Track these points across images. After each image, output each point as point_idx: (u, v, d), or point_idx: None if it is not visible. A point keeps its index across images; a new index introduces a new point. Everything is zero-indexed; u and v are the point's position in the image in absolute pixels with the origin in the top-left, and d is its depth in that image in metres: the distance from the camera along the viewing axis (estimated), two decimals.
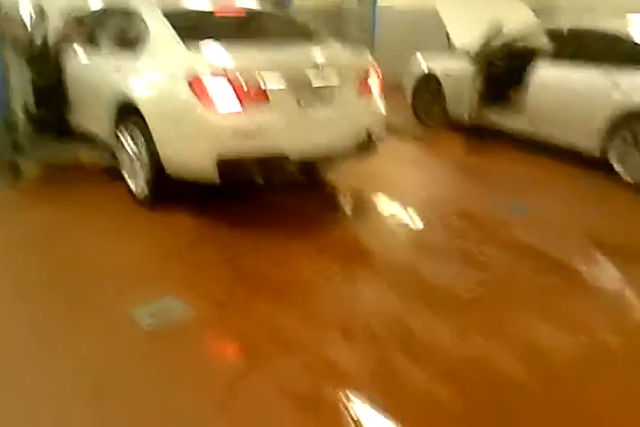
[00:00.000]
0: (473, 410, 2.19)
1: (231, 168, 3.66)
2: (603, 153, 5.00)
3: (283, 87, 3.71)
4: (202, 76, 3.58)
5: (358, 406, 2.17)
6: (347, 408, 2.16)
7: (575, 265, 3.39)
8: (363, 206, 4.40)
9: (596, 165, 4.97)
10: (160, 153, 3.82)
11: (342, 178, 4.82)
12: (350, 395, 2.23)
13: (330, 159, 4.27)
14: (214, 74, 3.58)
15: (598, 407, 2.25)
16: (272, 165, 3.81)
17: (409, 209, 4.18)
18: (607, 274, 3.41)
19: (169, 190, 4.00)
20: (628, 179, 4.82)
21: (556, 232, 3.88)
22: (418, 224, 3.97)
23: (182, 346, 2.53)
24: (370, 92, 4.27)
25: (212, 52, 3.81)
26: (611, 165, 4.88)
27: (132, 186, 4.15)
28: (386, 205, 4.26)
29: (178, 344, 2.54)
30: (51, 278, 3.15)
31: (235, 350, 2.58)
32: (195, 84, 3.59)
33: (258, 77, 3.63)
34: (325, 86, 3.94)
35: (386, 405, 2.19)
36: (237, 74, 3.58)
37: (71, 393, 2.27)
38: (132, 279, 3.14)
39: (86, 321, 2.76)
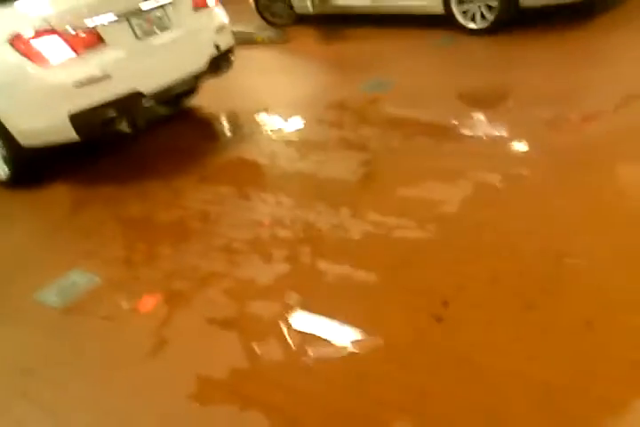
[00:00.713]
0: (385, 278, 2.31)
1: (87, 120, 3.39)
2: (447, 8, 5.09)
3: (113, 21, 3.39)
4: (22, 33, 3.19)
5: (289, 314, 2.24)
6: (278, 318, 2.22)
7: (445, 123, 3.51)
8: (237, 124, 4.28)
9: (444, 22, 5.05)
10: (8, 126, 3.47)
11: (208, 100, 4.66)
12: (276, 305, 2.29)
13: (187, 84, 4.07)
14: (35, 28, 3.20)
15: (492, 240, 2.41)
16: (128, 105, 3.56)
17: (281, 114, 4.15)
18: (475, 124, 3.51)
19: (33, 163, 3.77)
20: (472, 25, 5.00)
21: (423, 98, 3.97)
22: (294, 126, 3.95)
23: (98, 312, 2.49)
24: (205, 3, 3.99)
25: (27, 7, 3.39)
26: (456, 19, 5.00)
27: None
28: (259, 117, 4.19)
29: (93, 312, 2.49)
30: None
31: (152, 299, 2.55)
32: (17, 44, 3.21)
33: (83, 19, 3.29)
34: (157, 7, 3.63)
35: (313, 303, 2.26)
36: (60, 21, 3.23)
37: None
38: (26, 265, 2.97)
39: None
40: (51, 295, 2.68)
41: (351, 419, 1.75)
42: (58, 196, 3.62)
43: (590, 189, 2.59)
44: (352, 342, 2.03)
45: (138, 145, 4.13)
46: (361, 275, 2.33)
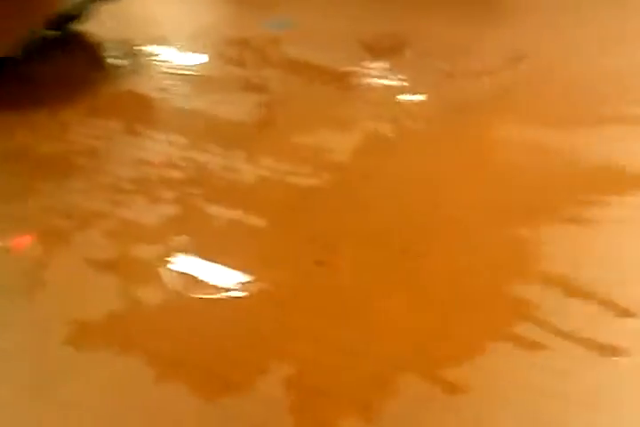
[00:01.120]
0: (275, 223, 2.29)
1: None
2: None
3: None
4: None
5: (174, 257, 2.19)
6: (162, 261, 2.17)
7: (344, 69, 3.47)
8: (130, 54, 3.99)
9: None
10: None
11: (100, 27, 4.29)
12: (161, 248, 2.23)
13: (76, 8, 3.74)
14: None
15: (380, 189, 2.43)
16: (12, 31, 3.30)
17: (178, 46, 3.92)
18: (373, 72, 3.47)
19: None
20: None
21: (325, 42, 3.86)
22: (191, 60, 3.75)
23: None
24: None
25: None
26: None
27: None
28: (154, 48, 3.94)
29: None
30: None
31: (28, 237, 2.41)
32: None
33: None
34: None
35: (200, 247, 2.22)
36: None
37: None
38: None
39: None
40: None
41: (234, 363, 1.77)
42: None
43: (471, 142, 2.68)
44: (238, 287, 2.02)
45: (22, 71, 3.79)
46: (252, 220, 2.29)
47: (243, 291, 1.98)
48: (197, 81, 3.54)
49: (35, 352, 1.87)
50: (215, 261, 2.11)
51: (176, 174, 2.60)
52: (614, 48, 3.33)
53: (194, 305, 1.96)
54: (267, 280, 2.00)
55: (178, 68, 3.72)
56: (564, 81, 3.15)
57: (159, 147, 2.84)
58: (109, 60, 4.04)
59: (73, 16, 4.15)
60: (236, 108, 3.15)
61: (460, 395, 1.59)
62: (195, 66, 3.72)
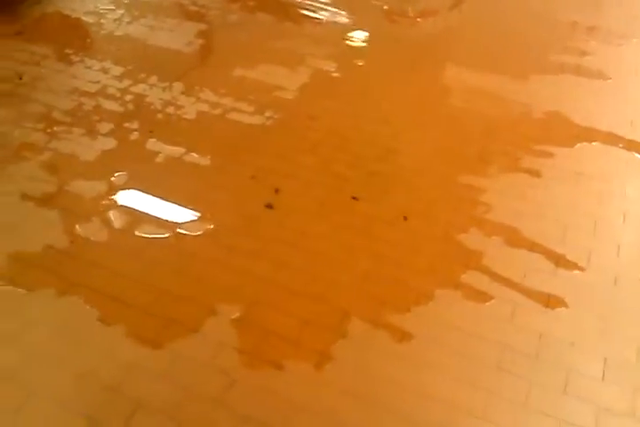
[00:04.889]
0: (219, 162, 2.18)
1: None
2: None
3: None
4: None
5: (114, 193, 2.06)
6: (102, 197, 2.04)
7: (288, 1, 3.27)
8: None
9: None
10: None
11: None
12: (101, 183, 2.09)
13: None
14: None
15: (326, 130, 2.35)
16: None
17: None
18: (316, 6, 3.27)
19: None
20: None
21: None
22: None
23: None
24: None
25: None
26: None
27: None
28: None
29: None
30: None
31: None
32: None
33: None
34: None
35: (141, 183, 2.09)
36: None
37: None
38: None
39: None
40: None
41: (177, 301, 1.71)
42: None
43: (420, 87, 2.63)
44: (181, 224, 1.95)
45: None
46: (194, 157, 2.18)
47: (188, 230, 1.91)
48: (130, 5, 3.24)
49: None
50: (158, 198, 2.01)
51: (112, 106, 2.41)
52: None
53: (137, 243, 1.88)
54: (211, 220, 1.93)
55: None
56: (509, 26, 3.09)
57: (93, 76, 2.61)
58: None
59: None
60: (173, 37, 2.92)
61: (405, 341, 1.62)
62: None
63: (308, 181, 2.10)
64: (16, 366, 1.55)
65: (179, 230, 1.92)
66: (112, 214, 1.96)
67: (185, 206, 1.99)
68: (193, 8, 3.14)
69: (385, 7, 3.17)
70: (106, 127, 2.31)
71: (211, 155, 2.18)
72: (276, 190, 2.02)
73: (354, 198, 2.02)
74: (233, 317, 1.66)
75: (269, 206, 1.97)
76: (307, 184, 2.09)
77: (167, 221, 1.94)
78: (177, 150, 2.20)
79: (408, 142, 2.30)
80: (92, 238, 1.88)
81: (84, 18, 3.03)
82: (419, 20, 3.13)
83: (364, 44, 2.94)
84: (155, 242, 1.89)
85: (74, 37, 2.95)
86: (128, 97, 2.47)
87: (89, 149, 2.22)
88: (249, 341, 1.61)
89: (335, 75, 2.63)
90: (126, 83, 2.55)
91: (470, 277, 1.80)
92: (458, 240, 1.92)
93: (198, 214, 1.96)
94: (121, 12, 3.09)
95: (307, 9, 3.17)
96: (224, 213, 1.98)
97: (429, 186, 2.12)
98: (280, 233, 1.91)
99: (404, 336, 1.65)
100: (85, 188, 2.05)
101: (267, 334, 1.64)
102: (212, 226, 1.92)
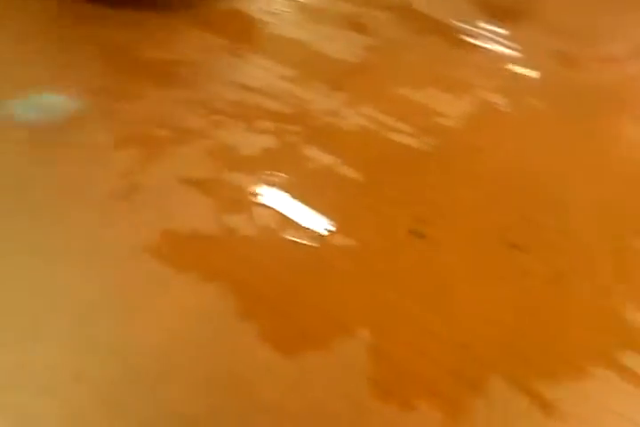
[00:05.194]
0: (371, 179, 2.18)
1: None
2: None
3: None
4: None
5: (266, 190, 2.11)
6: (255, 192, 2.09)
7: (460, 26, 3.23)
8: None
9: None
10: None
11: None
12: (255, 178, 2.15)
13: None
14: None
15: (485, 165, 2.30)
16: None
17: None
18: (489, 35, 3.25)
19: None
20: None
21: None
22: None
23: (73, 139, 2.26)
24: None
25: None
26: None
27: None
28: None
29: (68, 138, 2.26)
30: None
31: (129, 140, 2.33)
32: None
33: None
34: None
35: (292, 186, 2.13)
36: None
37: None
38: None
39: None
40: (22, 110, 2.39)
41: (312, 310, 1.70)
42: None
43: (597, 139, 2.50)
44: (324, 233, 1.96)
45: None
46: (346, 170, 2.18)
47: (328, 239, 1.91)
48: (306, 10, 3.37)
49: (114, 255, 1.85)
50: (306, 203, 2.04)
51: (275, 106, 2.49)
52: None
53: (280, 244, 1.90)
54: (354, 236, 1.92)
55: None
56: None
57: (261, 73, 2.71)
58: None
59: None
60: (341, 47, 2.98)
61: (550, 414, 1.52)
62: None
63: (462, 217, 2.04)
64: (157, 345, 1.61)
65: (320, 238, 1.93)
66: (260, 211, 2.01)
67: (330, 217, 2.00)
68: (363, 21, 3.17)
69: (560, 48, 3.06)
70: (266, 125, 2.38)
71: (363, 170, 2.17)
72: (425, 220, 1.98)
73: (511, 246, 1.94)
74: (367, 341, 1.63)
75: (416, 235, 1.94)
76: (460, 220, 2.03)
77: (310, 226, 1.96)
78: (331, 160, 2.21)
79: (580, 196, 2.18)
80: (238, 230, 1.93)
81: (262, 17, 3.15)
82: (597, 65, 2.99)
83: (534, 83, 2.85)
84: (296, 246, 1.90)
85: (248, 34, 3.10)
86: (290, 99, 2.53)
87: (248, 143, 2.28)
88: (381, 371, 1.57)
89: (502, 109, 2.56)
90: (290, 85, 2.62)
91: (630, 360, 1.65)
92: (620, 313, 1.78)
93: (342, 228, 1.96)
94: (295, 15, 3.18)
95: (477, 37, 3.11)
96: (367, 231, 1.97)
97: (597, 246, 2.00)
98: (423, 267, 1.85)
99: (549, 408, 1.54)
100: (239, 180, 2.10)
101: (400, 368, 1.60)
102: (353, 242, 1.91)
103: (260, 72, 2.65)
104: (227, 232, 1.91)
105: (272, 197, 2.04)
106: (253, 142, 2.26)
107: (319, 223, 1.96)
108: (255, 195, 2.04)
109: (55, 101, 2.52)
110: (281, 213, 1.98)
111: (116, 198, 2.01)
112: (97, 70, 2.78)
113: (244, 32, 3.05)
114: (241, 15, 3.19)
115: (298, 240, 1.92)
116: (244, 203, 2.01)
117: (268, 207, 2.01)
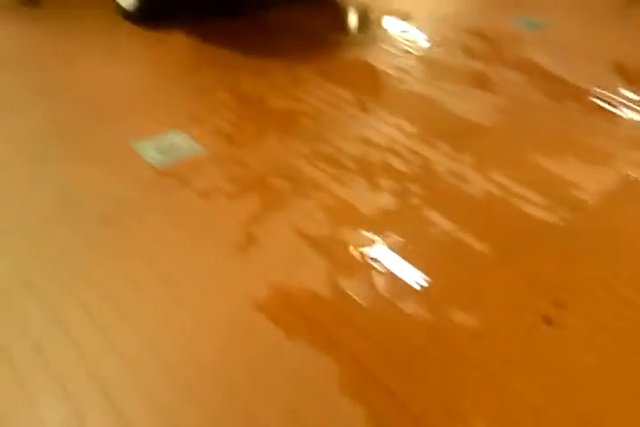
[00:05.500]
0: (499, 254, 2.02)
1: None
2: None
3: None
4: None
5: (385, 255, 2.01)
6: (373, 256, 2.00)
7: (599, 95, 3.05)
8: (371, 22, 3.82)
9: None
10: None
11: None
12: (374, 240, 2.05)
13: None
14: None
15: (627, 246, 2.09)
16: None
17: (418, 25, 3.68)
18: (633, 106, 3.04)
19: (161, 4, 3.46)
20: None
21: (572, 53, 3.46)
22: (428, 42, 3.50)
23: (195, 184, 2.29)
24: None
25: None
26: None
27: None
28: (394, 22, 3.73)
29: (190, 183, 2.29)
30: (36, 99, 2.78)
31: (250, 188, 2.33)
32: None
33: None
34: None
35: (414, 253, 2.02)
36: None
37: (73, 232, 2.04)
38: (132, 107, 2.74)
39: (85, 149, 2.43)
40: (149, 149, 2.47)
41: (426, 393, 1.55)
42: (176, 45, 3.33)
43: None
44: (445, 309, 1.82)
45: (263, 17, 3.74)
46: (471, 240, 2.03)
47: (450, 318, 1.77)
48: (433, 65, 3.29)
49: (227, 307, 1.80)
50: (427, 274, 1.91)
51: (399, 164, 2.40)
52: None
53: (398, 316, 1.79)
54: (477, 315, 1.77)
55: (415, 48, 3.49)
56: None
57: (384, 128, 2.64)
58: (348, 24, 3.94)
59: None
60: (470, 106, 2.87)
61: None
62: (432, 49, 3.48)
63: (596, 302, 1.83)
64: (248, 399, 1.53)
65: (440, 315, 1.80)
66: (376, 276, 1.91)
67: (451, 290, 1.86)
68: (494, 79, 3.07)
69: None
70: (388, 184, 2.29)
71: (488, 242, 2.03)
72: (562, 304, 1.81)
73: None
74: None
75: (547, 321, 1.76)
76: (593, 305, 1.83)
77: (428, 300, 1.83)
78: (452, 227, 2.09)
79: None
80: (352, 296, 1.84)
81: (387, 70, 3.14)
82: None
83: None
84: (413, 320, 1.78)
85: (374, 87, 3.05)
86: (415, 158, 2.44)
87: (368, 201, 2.22)
88: None
89: None
90: (415, 143, 2.54)
91: None
92: None
93: (464, 305, 1.81)
94: (422, 71, 3.14)
95: (614, 103, 2.93)
96: (494, 311, 1.80)
97: None
98: (553, 356, 1.67)
99: None
100: (356, 240, 2.03)
101: None
102: (477, 322, 1.76)
103: (384, 127, 2.59)
104: (340, 297, 1.83)
105: (389, 261, 1.94)
106: (374, 201, 2.18)
107: (439, 296, 1.83)
108: (372, 258, 1.95)
109: (183, 144, 2.54)
110: (398, 281, 1.87)
111: (234, 249, 1.99)
112: (225, 116, 2.82)
113: (368, 85, 3.01)
114: (366, 67, 3.17)
115: (415, 313, 1.79)
116: (360, 266, 1.92)
117: (385, 273, 1.90)
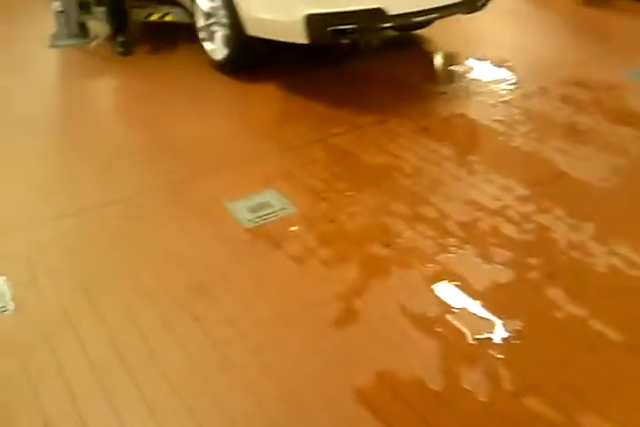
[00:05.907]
0: (635, 346, 1.73)
1: (321, 24, 2.99)
2: None
3: None
4: None
5: (505, 345, 1.74)
6: (492, 344, 1.74)
7: None
8: (468, 72, 3.64)
9: None
10: (241, 11, 3.18)
11: (438, 38, 4.02)
12: (492, 324, 1.79)
13: (432, 14, 3.46)
14: None
15: None
16: (367, 20, 3.11)
17: (519, 76, 3.47)
18: None
19: (251, 55, 3.45)
20: None
21: None
22: (532, 94, 3.27)
23: (287, 247, 2.14)
24: None
25: None
26: None
27: (211, 51, 3.58)
28: (492, 71, 3.54)
29: (281, 245, 2.14)
30: (127, 153, 2.80)
31: (346, 257, 2.15)
32: None
33: None
34: None
35: (536, 343, 1.73)
36: None
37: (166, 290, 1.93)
38: (224, 162, 2.69)
39: (180, 209, 2.38)
40: (242, 210, 2.36)
41: None
42: (266, 96, 3.31)
43: None
44: (574, 410, 1.55)
45: (356, 67, 3.66)
46: (601, 326, 1.76)
47: (580, 423, 1.50)
48: (535, 119, 3.03)
49: (324, 392, 1.60)
50: (548, 367, 1.64)
51: (511, 231, 2.16)
52: None
53: (518, 413, 1.56)
54: (619, 421, 1.50)
55: (517, 100, 3.22)
56: None
57: (493, 191, 2.40)
58: (444, 75, 3.73)
59: (423, 23, 3.92)
60: (586, 167, 2.57)
61: None
62: (535, 101, 3.19)
63: None
64: None
65: (569, 419, 1.54)
66: (493, 365, 1.68)
67: (581, 388, 1.59)
68: (609, 137, 2.80)
69: None
70: (501, 255, 2.05)
71: (623, 331, 1.75)
72: None
73: None
74: None
75: None
76: None
77: (552, 397, 1.57)
78: (580, 311, 1.82)
79: None
80: (467, 389, 1.61)
81: (491, 125, 2.93)
82: None
83: None
84: (536, 421, 1.54)
85: (479, 144, 2.87)
86: (529, 225, 2.19)
87: (480, 274, 1.99)
88: None
89: None
90: (529, 208, 2.29)
91: None
92: None
93: (600, 407, 1.54)
94: (530, 125, 2.91)
95: None
96: (636, 416, 1.54)
97: None
98: None
99: None
100: (469, 323, 1.79)
101: None
102: None
103: (492, 189, 2.37)
104: (453, 389, 1.59)
105: (505, 351, 1.70)
106: (486, 274, 1.95)
107: (568, 394, 1.58)
108: (487, 345, 1.72)
109: (275, 202, 2.42)
110: (517, 375, 1.63)
111: (330, 325, 1.81)
112: (318, 173, 2.68)
113: (470, 141, 2.81)
114: (466, 122, 2.96)
115: (543, 413, 1.54)
116: (476, 353, 1.68)
117: (502, 363, 1.66)
